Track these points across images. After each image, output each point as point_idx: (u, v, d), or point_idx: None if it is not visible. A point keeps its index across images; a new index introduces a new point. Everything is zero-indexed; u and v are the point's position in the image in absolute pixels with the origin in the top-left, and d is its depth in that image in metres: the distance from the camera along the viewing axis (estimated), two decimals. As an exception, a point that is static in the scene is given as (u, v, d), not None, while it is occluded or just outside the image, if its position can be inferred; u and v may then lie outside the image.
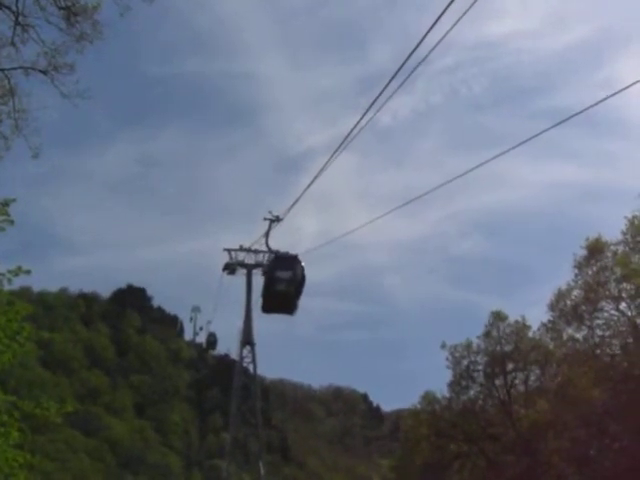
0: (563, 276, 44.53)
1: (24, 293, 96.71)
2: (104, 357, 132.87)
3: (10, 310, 15.18)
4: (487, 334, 48.04)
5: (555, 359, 45.71)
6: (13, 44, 18.29)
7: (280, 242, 31.59)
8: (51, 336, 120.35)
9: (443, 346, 48.73)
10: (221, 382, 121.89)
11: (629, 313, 40.54)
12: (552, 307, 43.50)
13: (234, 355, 53.91)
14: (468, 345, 48.35)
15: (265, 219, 31.19)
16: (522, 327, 47.63)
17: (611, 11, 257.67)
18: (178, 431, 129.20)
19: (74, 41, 18.50)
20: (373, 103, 13.62)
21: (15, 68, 18.72)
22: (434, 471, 47.70)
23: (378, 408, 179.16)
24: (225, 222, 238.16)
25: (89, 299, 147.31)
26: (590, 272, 42.01)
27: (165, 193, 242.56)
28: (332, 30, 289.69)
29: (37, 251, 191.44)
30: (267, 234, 31.36)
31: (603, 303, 41.28)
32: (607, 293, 41.01)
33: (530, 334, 47.50)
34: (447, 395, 49.25)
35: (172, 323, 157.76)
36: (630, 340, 40.54)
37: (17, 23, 18.12)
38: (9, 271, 15.16)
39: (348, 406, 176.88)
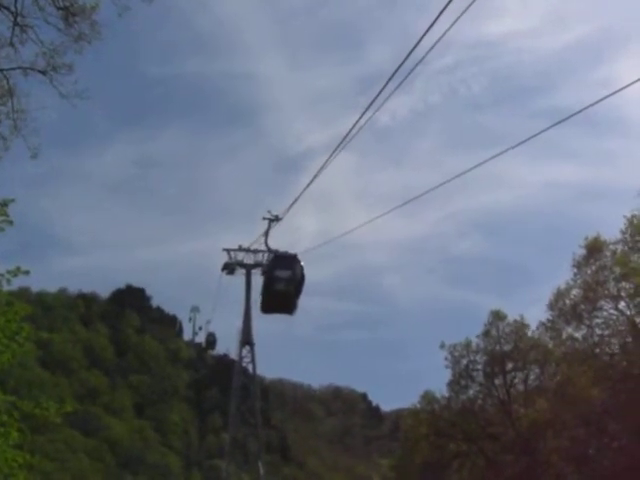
0: (562, 275, 44.52)
1: (23, 293, 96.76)
2: (103, 357, 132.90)
3: (9, 310, 15.19)
4: (486, 333, 48.07)
5: (554, 358, 45.73)
6: (12, 44, 18.29)
7: (279, 242, 31.57)
8: (50, 336, 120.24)
9: (442, 346, 48.78)
10: (220, 382, 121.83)
11: (628, 312, 40.58)
12: (551, 306, 43.55)
13: (233, 355, 54.06)
14: (467, 344, 48.37)
15: (264, 218, 31.17)
16: (521, 326, 47.67)
17: (611, 11, 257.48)
18: (177, 431, 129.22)
19: (73, 41, 18.49)
20: (372, 103, 13.63)
21: (14, 68, 18.72)
22: (434, 470, 47.74)
23: (378, 408, 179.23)
24: (224, 222, 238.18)
25: (88, 299, 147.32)
26: (589, 271, 42.05)
27: (164, 193, 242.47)
28: (331, 30, 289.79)
29: (36, 251, 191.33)
30: (266, 233, 31.32)
31: (602, 302, 41.32)
32: (606, 292, 41.04)
33: (529, 333, 47.56)
34: (446, 395, 49.32)
35: (171, 323, 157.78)
36: (629, 339, 40.58)
37: (16, 23, 18.12)
38: (8, 271, 15.18)
39: (348, 406, 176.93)
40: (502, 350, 47.52)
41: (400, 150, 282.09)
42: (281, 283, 29.64)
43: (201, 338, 76.86)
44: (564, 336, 43.82)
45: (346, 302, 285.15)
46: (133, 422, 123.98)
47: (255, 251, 42.60)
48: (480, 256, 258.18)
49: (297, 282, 29.75)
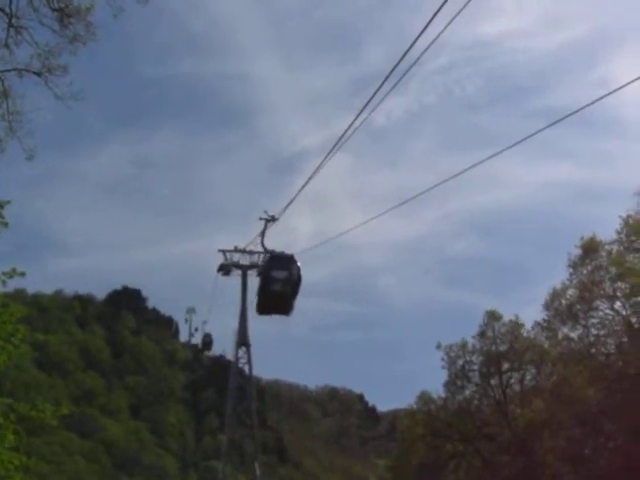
0: (558, 275, 44.68)
1: (19, 295, 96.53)
2: (99, 359, 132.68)
3: (5, 312, 15.17)
4: (482, 334, 48.07)
5: (550, 358, 45.75)
6: (7, 46, 18.26)
7: (275, 242, 31.58)
8: (46, 338, 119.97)
9: (438, 346, 48.74)
10: (217, 383, 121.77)
11: (624, 312, 40.62)
12: (547, 306, 43.58)
13: (229, 356, 53.96)
14: (463, 345, 48.37)
15: (261, 219, 31.13)
16: (517, 327, 47.68)
17: (605, 11, 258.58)
18: (174, 432, 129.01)
19: (68, 43, 18.47)
20: (367, 104, 13.65)
21: (9, 70, 18.69)
22: (430, 471, 47.73)
23: (374, 408, 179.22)
24: (220, 223, 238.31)
25: (84, 301, 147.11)
26: (585, 271, 42.08)
27: (159, 194, 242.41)
28: (326, 31, 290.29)
29: (31, 253, 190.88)
30: (263, 234, 31.28)
31: (598, 302, 41.35)
32: (602, 292, 41.07)
33: (525, 334, 47.58)
34: (443, 395, 49.29)
35: (167, 324, 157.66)
36: (625, 339, 40.63)
37: (10, 25, 18.09)
38: (3, 273, 15.17)
39: (344, 406, 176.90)
40: (498, 350, 47.53)
41: (395, 151, 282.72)
42: (278, 284, 29.63)
43: (197, 339, 76.96)
44: (560, 336, 43.87)
45: (342, 303, 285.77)
46: (129, 423, 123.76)
47: (251, 252, 42.63)
48: (476, 256, 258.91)
49: (294, 283, 29.74)
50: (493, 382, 47.93)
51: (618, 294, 40.69)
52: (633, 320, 40.11)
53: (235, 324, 45.26)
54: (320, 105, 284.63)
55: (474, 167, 15.24)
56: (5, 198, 15.34)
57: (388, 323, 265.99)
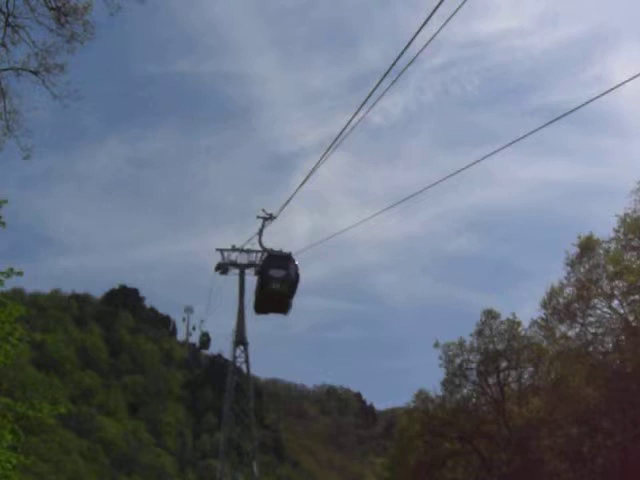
0: (555, 274, 44.53)
1: (16, 294, 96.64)
2: (97, 358, 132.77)
3: (2, 311, 15.16)
4: (480, 332, 48.07)
5: (548, 357, 45.72)
6: (4, 45, 18.23)
7: (272, 241, 31.50)
8: (44, 337, 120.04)
9: (436, 345, 48.71)
10: (214, 382, 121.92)
11: (621, 310, 40.57)
12: (544, 305, 43.52)
13: (227, 355, 53.89)
14: (461, 343, 48.35)
15: (259, 217, 31.00)
16: (514, 325, 47.68)
17: (602, 9, 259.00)
18: (172, 431, 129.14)
19: (65, 42, 18.44)
20: (365, 102, 13.66)
21: (6, 69, 18.67)
22: (428, 469, 47.73)
23: (372, 407, 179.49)
24: (217, 222, 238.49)
25: (82, 300, 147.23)
26: (582, 270, 42.03)
27: (156, 193, 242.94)
28: (323, 30, 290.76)
29: (29, 252, 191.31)
30: (260, 232, 31.17)
31: (595, 300, 41.31)
32: (599, 290, 41.03)
33: (522, 332, 47.58)
34: (440, 393, 49.28)
35: (165, 323, 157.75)
36: (622, 337, 40.58)
37: (7, 24, 18.05)
38: (1, 272, 15.17)
39: (342, 405, 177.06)
40: (496, 349, 47.53)
41: (393, 149, 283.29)
42: (276, 283, 29.55)
43: (195, 338, 76.86)
44: (557, 334, 43.81)
45: (339, 301, 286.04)
46: (127, 422, 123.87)
47: (248, 251, 42.61)
48: (473, 254, 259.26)
49: (291, 282, 29.66)
50: (491, 380, 47.93)
51: (616, 292, 40.64)
52: (631, 318, 40.08)
53: (233, 323, 45.31)
54: (317, 104, 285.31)
55: (472, 165, 15.25)
56: (2, 198, 15.33)
57: (386, 322, 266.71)
